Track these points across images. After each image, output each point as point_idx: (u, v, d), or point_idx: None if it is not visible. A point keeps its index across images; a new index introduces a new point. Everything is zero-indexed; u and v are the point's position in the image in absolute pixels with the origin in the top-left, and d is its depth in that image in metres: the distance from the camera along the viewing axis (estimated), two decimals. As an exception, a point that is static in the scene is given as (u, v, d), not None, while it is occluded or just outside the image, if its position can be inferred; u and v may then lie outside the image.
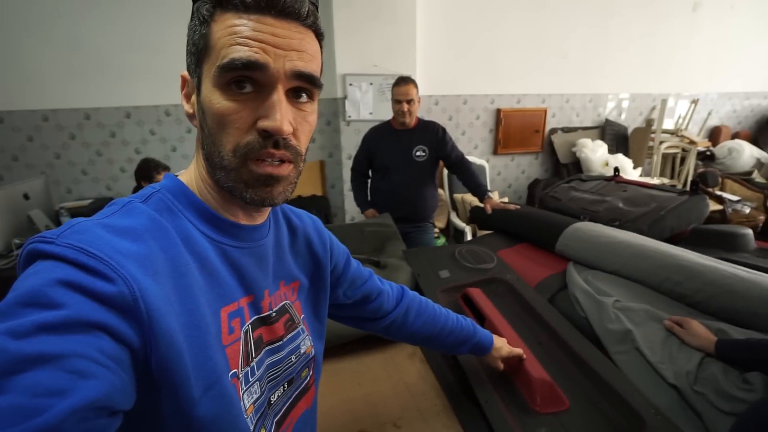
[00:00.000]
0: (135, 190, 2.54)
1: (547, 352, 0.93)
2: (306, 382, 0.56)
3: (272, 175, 0.40)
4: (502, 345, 0.82)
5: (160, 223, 0.39)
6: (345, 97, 2.99)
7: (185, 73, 0.44)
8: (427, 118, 2.05)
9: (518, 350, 0.83)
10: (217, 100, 0.38)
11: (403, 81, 1.85)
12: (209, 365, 0.38)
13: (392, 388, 0.93)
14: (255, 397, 0.45)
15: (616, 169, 2.00)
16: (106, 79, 2.79)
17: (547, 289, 1.23)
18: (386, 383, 0.95)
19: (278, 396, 0.50)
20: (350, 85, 2.96)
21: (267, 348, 0.48)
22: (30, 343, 0.26)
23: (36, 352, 0.26)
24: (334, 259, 0.62)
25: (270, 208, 0.51)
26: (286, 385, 0.52)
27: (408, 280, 1.26)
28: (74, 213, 2.59)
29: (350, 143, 3.12)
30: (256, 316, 0.47)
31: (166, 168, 2.61)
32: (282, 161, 0.41)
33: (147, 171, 2.49)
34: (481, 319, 0.99)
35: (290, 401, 0.53)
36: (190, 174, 0.46)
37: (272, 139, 0.39)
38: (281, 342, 0.51)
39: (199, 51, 0.39)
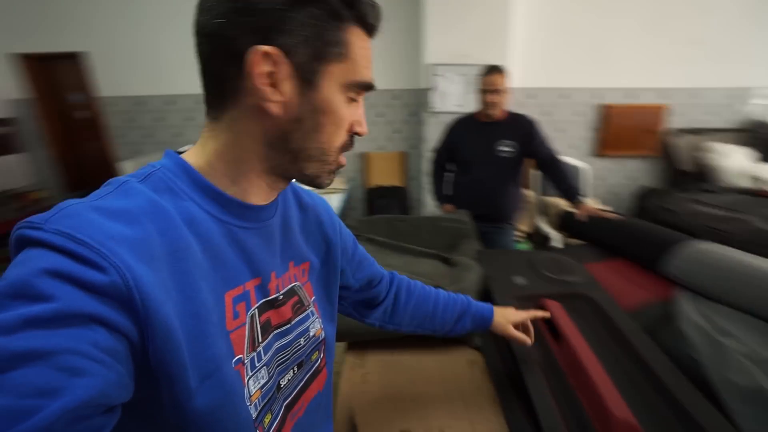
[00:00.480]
0: None
1: (636, 390, 0.78)
2: (317, 365, 0.55)
3: (344, 164, 0.48)
4: (509, 311, 0.81)
5: (159, 205, 0.36)
6: (431, 88, 2.92)
7: (273, 50, 0.36)
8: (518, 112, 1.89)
9: (536, 312, 0.83)
10: (341, 105, 0.42)
11: (491, 70, 1.72)
12: (207, 355, 0.37)
13: (445, 393, 0.87)
14: (262, 382, 0.44)
15: (762, 181, 1.61)
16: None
17: (645, 316, 1.03)
18: (440, 387, 0.89)
19: (288, 379, 0.49)
20: (438, 75, 2.87)
21: (275, 332, 0.47)
22: (18, 339, 0.25)
23: (24, 348, 0.25)
24: (343, 240, 0.62)
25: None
26: (296, 369, 0.51)
27: (477, 281, 1.17)
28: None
29: (434, 135, 3.03)
30: (264, 300, 0.46)
31: None
32: None
33: None
34: (556, 335, 0.87)
35: (301, 384, 0.52)
36: (207, 156, 0.42)
37: (353, 138, 0.46)
38: (289, 325, 0.49)
39: (326, 48, 0.39)
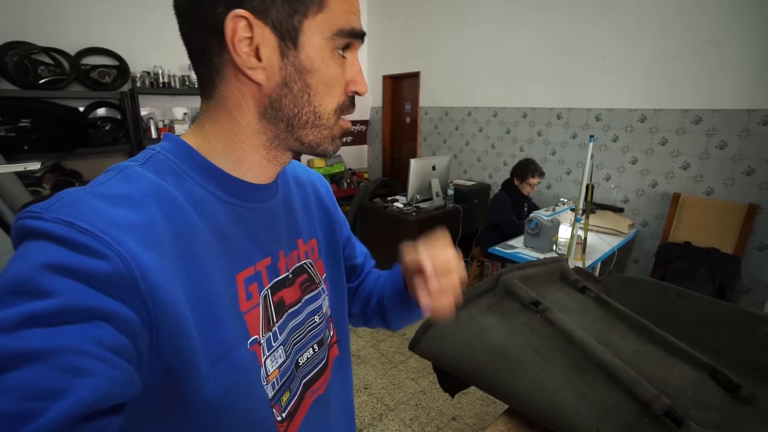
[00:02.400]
0: (504, 184, 2.77)
1: None
2: (329, 340, 0.55)
3: (349, 129, 0.44)
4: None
5: (163, 188, 0.35)
6: None
7: (247, 14, 0.34)
8: None
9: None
10: (331, 62, 0.39)
11: None
12: (218, 338, 0.36)
13: None
14: (280, 361, 0.44)
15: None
16: (514, 83, 3.14)
17: None
18: None
19: (308, 358, 0.50)
20: None
21: (289, 311, 0.47)
22: (18, 338, 0.24)
23: (25, 348, 0.24)
24: (339, 215, 0.61)
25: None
26: (316, 347, 0.51)
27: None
28: (457, 188, 3.23)
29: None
30: (275, 279, 0.45)
31: (542, 174, 2.64)
32: None
33: (523, 170, 2.62)
34: None
35: (322, 363, 0.52)
36: (205, 136, 0.40)
37: (353, 98, 0.43)
38: (300, 304, 0.49)
39: (301, 1, 0.36)
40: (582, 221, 1.92)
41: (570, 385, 0.78)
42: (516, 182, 2.69)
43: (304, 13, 0.36)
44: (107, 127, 2.90)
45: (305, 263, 0.51)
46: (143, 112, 3.03)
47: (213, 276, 0.37)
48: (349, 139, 4.61)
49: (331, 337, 0.56)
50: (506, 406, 0.81)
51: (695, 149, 2.39)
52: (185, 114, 3.28)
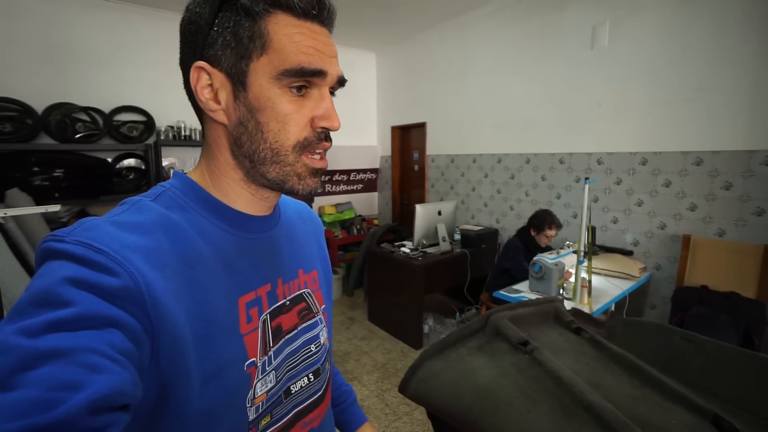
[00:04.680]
0: (519, 232, 2.75)
1: None
2: (328, 375, 0.56)
3: (322, 168, 0.45)
4: None
5: (170, 218, 0.40)
6: None
7: (204, 64, 0.40)
8: None
9: None
10: (279, 100, 0.40)
11: None
12: (212, 357, 0.38)
13: None
14: (270, 385, 0.45)
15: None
16: (516, 130, 3.25)
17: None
18: None
19: (301, 387, 0.51)
20: None
21: (285, 337, 0.48)
22: (43, 340, 0.27)
23: (49, 347, 0.27)
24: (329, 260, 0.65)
25: (277, 201, 0.52)
26: (311, 377, 0.52)
27: None
28: (464, 233, 3.23)
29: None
30: (275, 305, 0.47)
31: (559, 226, 2.63)
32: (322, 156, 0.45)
33: (540, 221, 2.62)
34: None
35: (319, 394, 0.53)
36: (202, 172, 0.46)
37: (325, 133, 0.43)
38: (295, 331, 0.50)
39: (246, 46, 0.39)
40: (585, 263, 1.89)
41: (557, 430, 0.75)
42: (533, 233, 2.65)
43: (249, 57, 0.39)
44: (131, 176, 3.11)
45: (304, 292, 0.53)
46: (165, 162, 3.25)
47: (214, 298, 0.40)
48: (360, 186, 4.75)
49: (329, 371, 0.56)
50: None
51: (700, 190, 2.38)
52: (204, 164, 3.49)
